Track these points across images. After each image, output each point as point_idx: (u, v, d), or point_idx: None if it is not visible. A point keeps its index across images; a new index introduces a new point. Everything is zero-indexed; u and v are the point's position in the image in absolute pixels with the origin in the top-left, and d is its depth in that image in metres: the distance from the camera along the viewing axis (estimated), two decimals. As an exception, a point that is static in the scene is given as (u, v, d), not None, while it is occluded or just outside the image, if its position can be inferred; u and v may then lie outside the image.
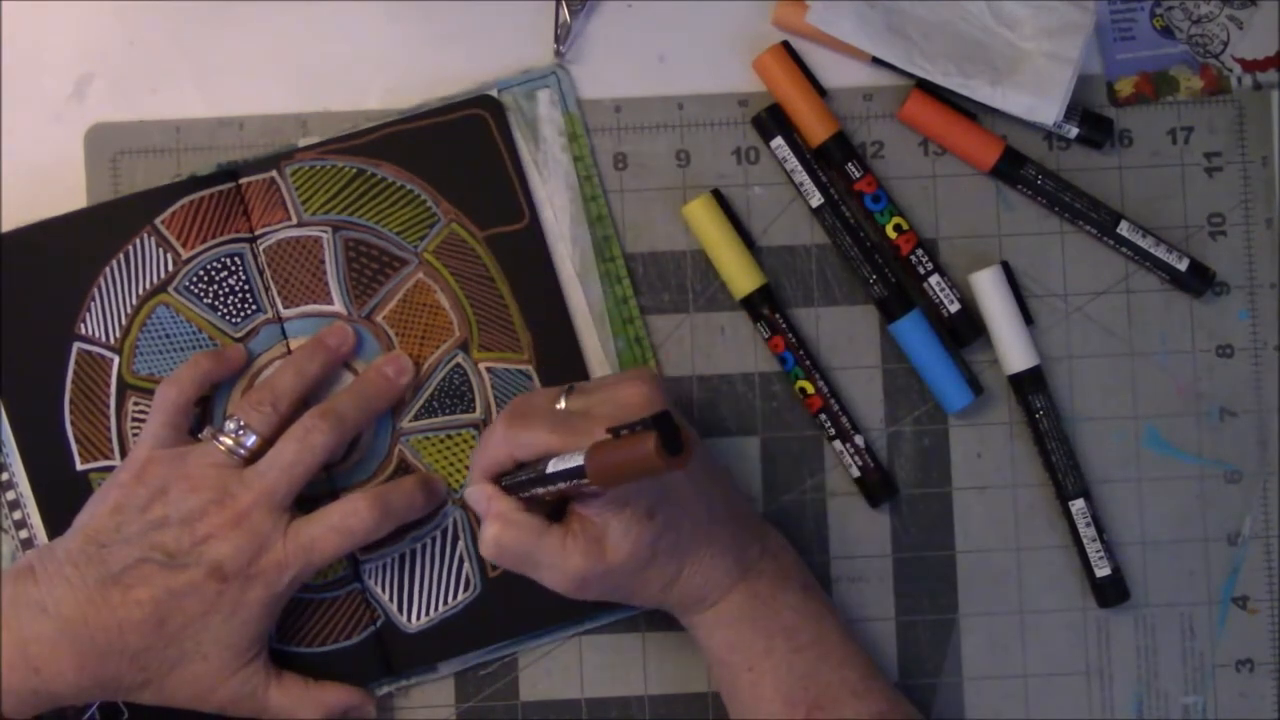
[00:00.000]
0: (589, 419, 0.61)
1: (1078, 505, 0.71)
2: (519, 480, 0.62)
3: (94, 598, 0.63)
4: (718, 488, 0.66)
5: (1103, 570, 0.71)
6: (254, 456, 0.66)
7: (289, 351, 0.70)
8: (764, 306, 0.71)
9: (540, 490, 0.60)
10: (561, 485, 0.59)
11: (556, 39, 0.72)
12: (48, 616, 0.63)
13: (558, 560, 0.61)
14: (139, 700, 0.65)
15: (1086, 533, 0.71)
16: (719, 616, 0.65)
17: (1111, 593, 0.71)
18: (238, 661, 0.65)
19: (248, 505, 0.64)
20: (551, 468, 0.59)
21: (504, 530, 0.62)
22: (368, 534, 0.66)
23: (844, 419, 0.71)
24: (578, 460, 0.57)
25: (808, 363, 0.71)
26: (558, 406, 0.63)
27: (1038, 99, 0.70)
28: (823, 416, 0.71)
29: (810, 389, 0.71)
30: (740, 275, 0.71)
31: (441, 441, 0.70)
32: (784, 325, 0.71)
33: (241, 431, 0.66)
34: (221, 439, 0.66)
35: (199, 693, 0.65)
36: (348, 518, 0.66)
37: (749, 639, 0.65)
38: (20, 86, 0.73)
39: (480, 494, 0.63)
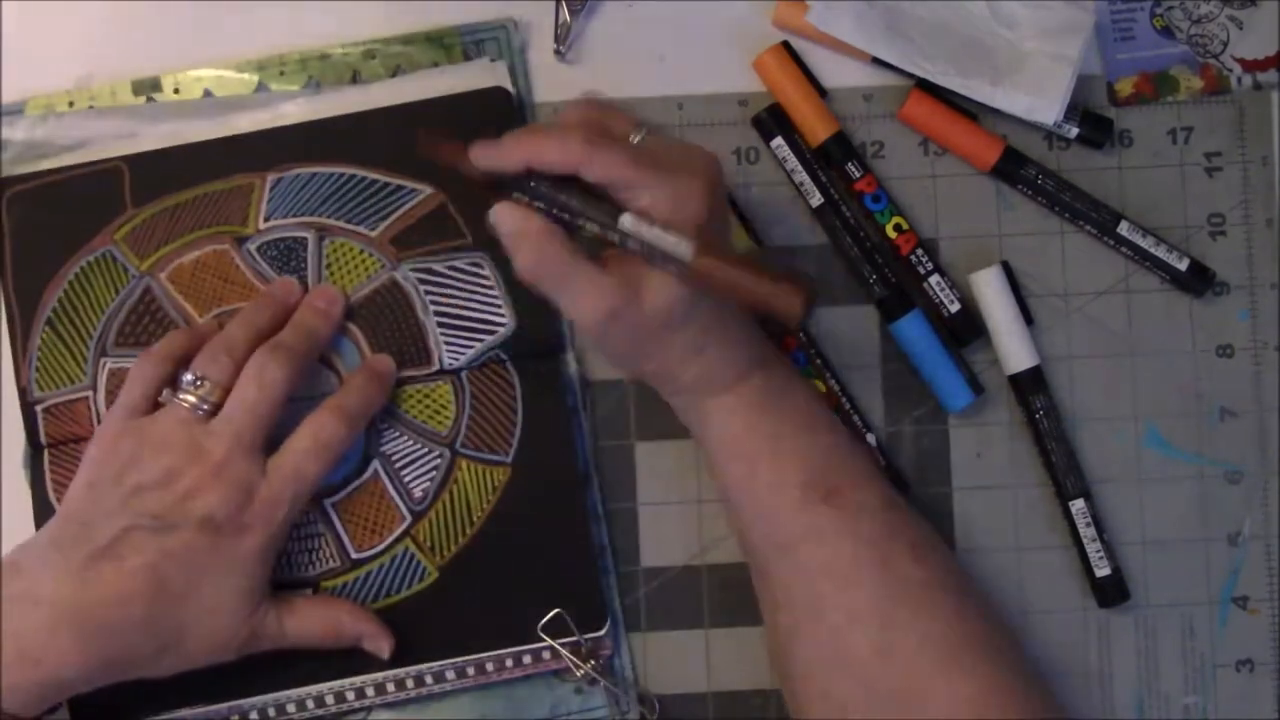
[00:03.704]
0: (661, 169, 0.61)
1: (1078, 505, 0.71)
2: (587, 208, 0.62)
3: (86, 576, 0.63)
4: None
5: (1103, 570, 0.71)
6: (216, 409, 0.66)
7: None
8: (774, 305, 0.71)
9: (596, 229, 0.61)
10: (635, 246, 0.60)
11: (556, 39, 0.72)
12: (39, 606, 0.62)
13: (594, 288, 0.61)
14: (158, 672, 0.65)
15: (1086, 533, 0.71)
16: (737, 401, 0.65)
17: (1111, 593, 0.71)
18: (250, 606, 0.65)
19: (223, 455, 0.64)
20: (644, 229, 0.60)
21: (546, 249, 0.62)
22: (341, 442, 0.66)
23: (855, 418, 0.71)
24: (686, 245, 0.59)
25: (819, 361, 0.71)
26: (633, 139, 0.63)
27: (1038, 99, 0.70)
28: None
29: (822, 388, 0.71)
30: (747, 275, 0.71)
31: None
32: (794, 324, 0.71)
33: (200, 384, 0.65)
34: (182, 396, 0.66)
35: (218, 646, 0.65)
36: (318, 434, 0.66)
37: (770, 423, 0.65)
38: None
39: (514, 213, 0.63)
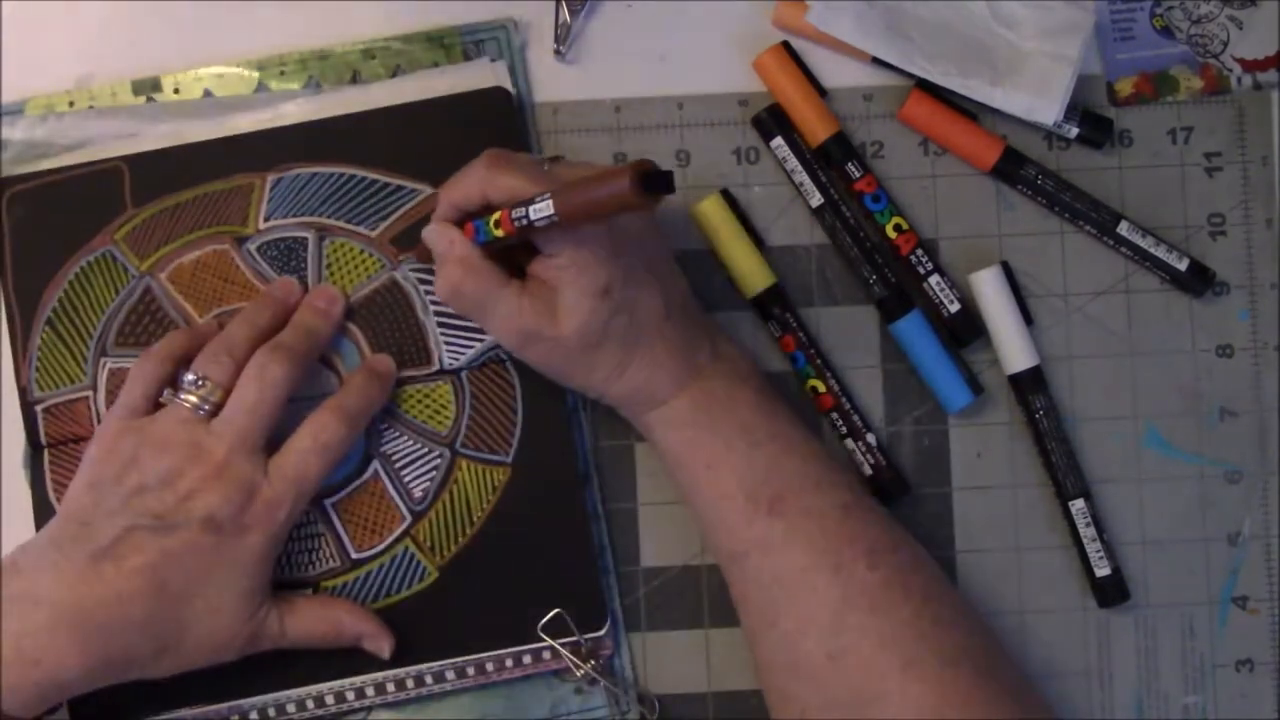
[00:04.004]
0: (556, 180, 0.62)
1: (1078, 505, 0.71)
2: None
3: (85, 575, 0.63)
4: (676, 285, 0.67)
5: (1103, 570, 0.71)
6: (217, 409, 0.66)
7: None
8: (775, 305, 0.71)
9: (500, 233, 0.62)
10: (523, 223, 0.61)
11: (556, 39, 0.72)
12: (39, 606, 0.62)
13: (510, 311, 0.63)
14: (158, 672, 0.65)
15: (1086, 533, 0.71)
16: (673, 415, 0.66)
17: (1111, 593, 0.71)
18: (251, 607, 0.65)
19: (224, 455, 0.64)
20: (520, 211, 0.61)
21: (465, 275, 0.64)
22: (342, 442, 0.67)
23: (855, 417, 0.71)
24: (547, 200, 0.60)
25: (819, 361, 0.71)
26: (543, 167, 0.65)
27: (1038, 99, 0.70)
28: (834, 415, 0.71)
29: (821, 388, 0.71)
30: (752, 274, 0.71)
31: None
32: (794, 324, 0.71)
33: (201, 384, 0.66)
34: (184, 396, 0.66)
35: (218, 647, 0.65)
36: (319, 434, 0.66)
37: (706, 437, 0.65)
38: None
39: (443, 235, 0.65)
